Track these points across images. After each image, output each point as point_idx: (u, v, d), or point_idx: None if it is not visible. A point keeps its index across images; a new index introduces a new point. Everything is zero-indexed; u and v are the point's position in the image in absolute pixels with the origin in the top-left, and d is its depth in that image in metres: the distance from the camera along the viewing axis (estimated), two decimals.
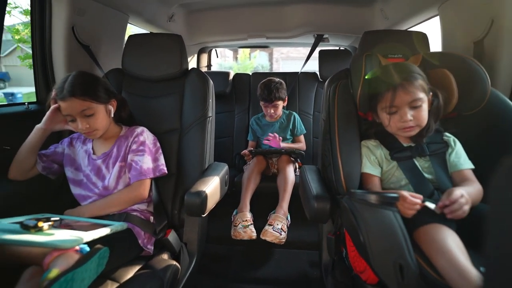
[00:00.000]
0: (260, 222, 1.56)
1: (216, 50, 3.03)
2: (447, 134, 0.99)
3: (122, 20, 1.66)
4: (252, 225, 1.52)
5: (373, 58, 1.07)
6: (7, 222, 0.80)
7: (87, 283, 0.73)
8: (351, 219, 0.78)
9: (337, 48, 2.68)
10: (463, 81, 0.98)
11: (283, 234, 1.47)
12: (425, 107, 0.92)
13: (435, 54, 1.09)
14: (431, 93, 0.94)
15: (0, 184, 1.02)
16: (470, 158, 0.94)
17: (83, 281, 0.71)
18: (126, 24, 1.71)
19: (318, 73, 2.30)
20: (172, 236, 1.09)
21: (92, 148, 1.10)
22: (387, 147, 0.99)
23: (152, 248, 1.06)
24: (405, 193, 0.77)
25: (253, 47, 3.18)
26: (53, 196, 1.19)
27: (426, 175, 0.92)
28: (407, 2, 1.60)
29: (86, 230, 0.79)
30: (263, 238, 1.46)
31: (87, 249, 0.78)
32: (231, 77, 2.35)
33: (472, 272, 0.61)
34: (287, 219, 1.56)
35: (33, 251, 0.75)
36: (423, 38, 1.14)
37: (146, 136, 1.12)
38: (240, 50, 11.10)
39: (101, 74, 1.43)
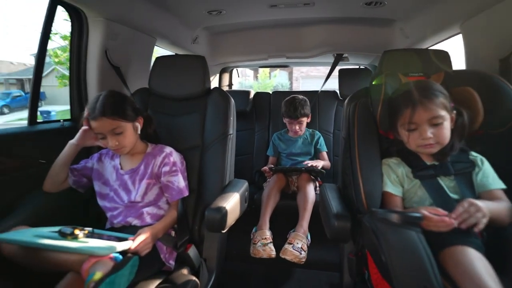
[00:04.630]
0: (279, 240, 1.54)
1: (237, 69, 3.12)
2: (473, 153, 0.96)
3: (150, 43, 1.77)
4: (272, 243, 1.50)
5: (394, 77, 1.07)
6: (46, 230, 0.87)
7: None
8: (372, 239, 0.76)
9: (357, 66, 2.69)
10: (489, 99, 0.96)
11: (303, 254, 1.45)
12: (446, 125, 0.90)
13: (459, 72, 1.08)
14: (454, 111, 0.93)
15: (36, 196, 1.09)
16: (501, 178, 0.90)
17: (119, 286, 0.77)
18: (153, 46, 1.82)
19: (338, 91, 2.30)
20: (192, 251, 1.11)
21: (120, 164, 1.16)
22: (409, 165, 0.97)
23: (173, 263, 1.09)
24: (427, 212, 0.75)
25: (273, 66, 3.26)
26: (82, 209, 1.25)
27: (452, 195, 0.89)
28: (428, 21, 1.60)
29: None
30: (282, 256, 1.44)
31: (120, 257, 0.84)
32: (251, 96, 2.41)
33: None
34: (307, 238, 1.54)
35: (71, 258, 0.81)
36: (445, 56, 1.13)
37: (175, 156, 1.18)
38: (261, 69, 11.33)
39: (128, 93, 1.52)
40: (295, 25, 2.12)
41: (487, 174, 0.90)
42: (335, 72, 2.38)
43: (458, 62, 1.24)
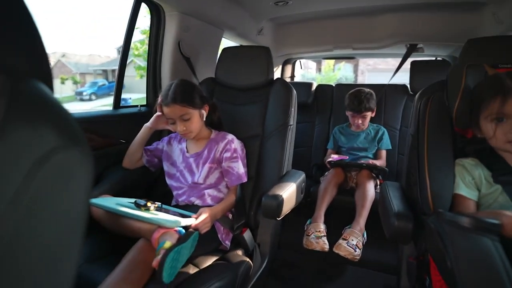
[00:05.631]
0: (333, 235, 1.52)
1: (300, 61, 3.09)
2: None
3: (218, 35, 1.86)
4: (325, 237, 1.48)
5: (477, 68, 0.95)
6: (125, 200, 1.01)
7: (185, 259, 0.88)
8: (437, 243, 0.71)
9: (433, 58, 2.44)
10: None
11: (358, 251, 1.40)
12: None
13: None
14: None
15: (117, 170, 1.26)
16: None
17: (183, 256, 0.86)
18: (221, 38, 1.91)
19: (408, 85, 2.13)
20: (247, 235, 1.17)
21: (186, 147, 1.26)
22: (489, 168, 0.86)
23: (229, 244, 1.15)
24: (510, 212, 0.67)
25: (338, 58, 3.14)
26: (152, 185, 1.40)
27: None
28: None
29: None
30: (336, 251, 1.41)
31: (183, 231, 0.93)
32: (313, 88, 2.37)
33: None
34: (363, 236, 1.48)
35: (143, 226, 0.92)
36: None
37: (237, 143, 1.24)
38: (324, 62, 10.99)
39: (197, 82, 1.63)
40: (364, 13, 2.01)
41: None
42: (406, 65, 2.19)
43: None
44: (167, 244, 0.84)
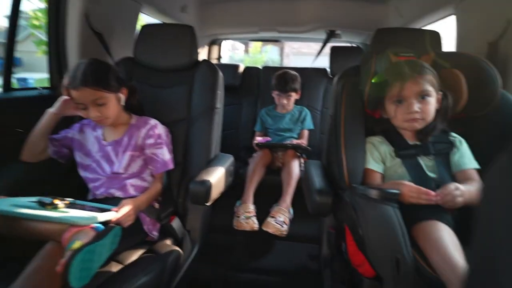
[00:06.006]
0: (262, 214, 1.58)
1: (227, 42, 3.03)
2: (453, 134, 0.99)
3: (134, 9, 1.68)
4: (255, 217, 1.54)
5: (384, 56, 1.07)
6: (24, 200, 0.86)
7: (103, 258, 0.79)
8: (351, 214, 0.79)
9: (349, 45, 2.66)
10: (474, 82, 0.97)
11: (285, 227, 1.49)
12: (432, 102, 0.93)
13: (447, 54, 1.08)
14: (440, 93, 0.94)
15: (13, 166, 1.06)
16: (479, 160, 0.94)
17: (100, 255, 0.78)
18: (138, 13, 1.73)
19: (328, 69, 2.29)
20: (176, 223, 1.13)
21: (102, 134, 1.13)
22: (392, 144, 1.00)
23: (157, 234, 1.10)
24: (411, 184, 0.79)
25: (264, 40, 3.18)
26: (62, 179, 1.23)
27: (430, 174, 0.92)
28: (423, 0, 1.58)
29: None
30: (265, 229, 1.48)
31: (102, 227, 0.83)
32: (240, 70, 2.36)
33: (465, 268, 0.62)
34: (289, 212, 1.58)
35: (51, 227, 0.80)
36: (436, 37, 1.12)
37: (160, 128, 1.16)
38: (252, 43, 11.05)
39: (112, 62, 1.46)
40: None
41: (464, 154, 0.94)
42: (327, 50, 2.34)
43: (448, 45, 1.24)
44: (77, 244, 0.75)
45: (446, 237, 0.70)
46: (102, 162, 1.10)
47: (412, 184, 0.82)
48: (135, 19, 1.72)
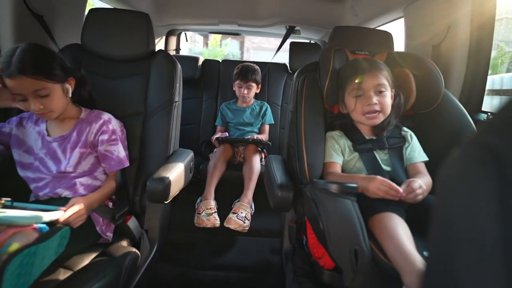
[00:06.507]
0: (224, 210, 1.56)
1: (185, 33, 2.93)
2: (405, 129, 1.05)
3: None
4: (216, 213, 1.52)
5: (341, 53, 1.10)
6: None
7: (47, 262, 0.71)
8: (312, 208, 0.81)
9: (308, 41, 2.72)
10: (421, 81, 1.05)
11: (247, 222, 1.49)
12: (389, 95, 0.99)
13: (398, 53, 1.15)
14: (393, 90, 1.00)
15: None
16: (426, 152, 1.02)
17: (43, 259, 0.70)
18: None
19: (288, 65, 2.31)
20: (132, 223, 1.06)
21: (46, 129, 1.02)
22: (350, 139, 1.03)
23: (111, 235, 1.03)
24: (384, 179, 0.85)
25: (224, 33, 3.12)
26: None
27: (384, 167, 0.98)
28: (376, 1, 1.66)
29: None
30: (226, 226, 1.47)
31: (47, 228, 0.76)
32: (200, 62, 2.30)
33: (416, 256, 0.67)
34: (251, 207, 1.58)
35: None
36: (388, 37, 1.20)
37: (115, 124, 1.08)
38: (211, 36, 10.84)
39: (56, 48, 1.32)
40: None
41: (414, 149, 1.01)
42: (286, 46, 2.37)
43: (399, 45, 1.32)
44: (13, 246, 0.66)
45: (400, 228, 0.75)
46: (47, 160, 0.99)
47: (385, 179, 0.85)
48: (82, 1, 1.57)
